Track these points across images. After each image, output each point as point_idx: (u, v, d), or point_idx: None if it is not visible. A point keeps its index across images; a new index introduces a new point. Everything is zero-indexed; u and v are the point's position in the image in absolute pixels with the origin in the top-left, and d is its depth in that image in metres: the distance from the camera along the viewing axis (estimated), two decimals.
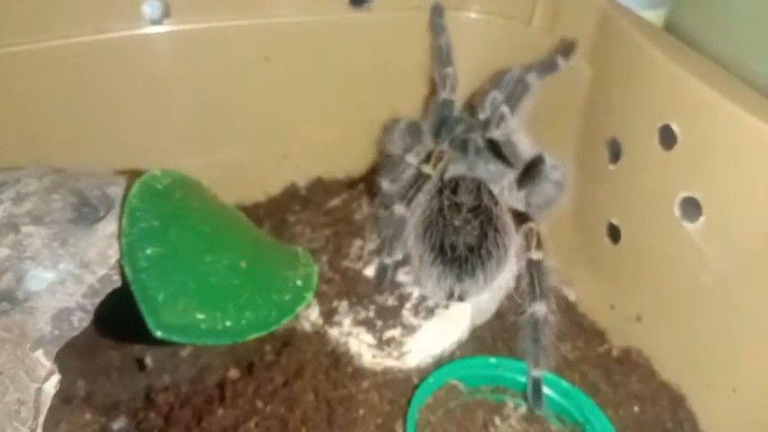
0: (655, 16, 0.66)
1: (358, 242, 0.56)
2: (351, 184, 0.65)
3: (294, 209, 0.64)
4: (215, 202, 0.49)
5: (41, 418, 0.35)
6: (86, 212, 0.42)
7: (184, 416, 0.47)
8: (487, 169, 0.53)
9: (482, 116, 0.53)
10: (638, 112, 0.51)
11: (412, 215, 0.50)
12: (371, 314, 0.50)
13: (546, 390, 0.48)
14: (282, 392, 0.47)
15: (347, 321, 0.50)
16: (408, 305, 0.51)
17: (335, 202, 0.62)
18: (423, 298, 0.51)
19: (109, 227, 0.41)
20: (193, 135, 0.60)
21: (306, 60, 0.61)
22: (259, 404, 0.47)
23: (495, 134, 0.51)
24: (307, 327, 0.52)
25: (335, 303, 0.52)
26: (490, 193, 0.50)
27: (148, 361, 0.53)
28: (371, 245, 0.55)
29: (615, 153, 0.53)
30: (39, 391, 0.35)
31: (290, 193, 0.66)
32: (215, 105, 0.60)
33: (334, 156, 0.66)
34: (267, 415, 0.46)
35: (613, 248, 0.54)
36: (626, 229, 0.53)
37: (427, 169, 0.50)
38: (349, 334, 0.50)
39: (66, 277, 0.38)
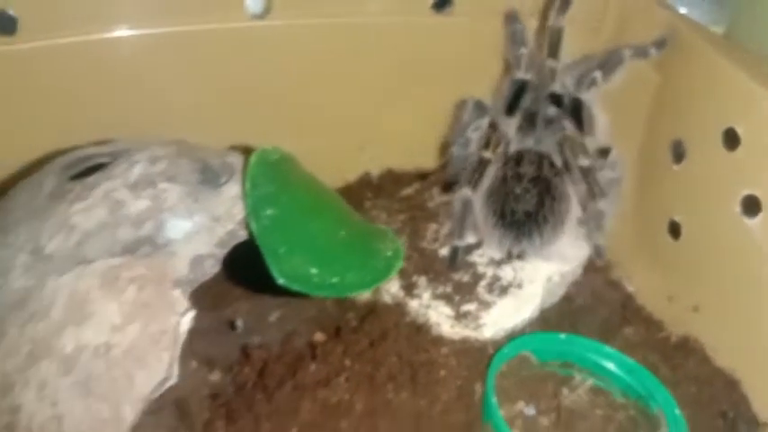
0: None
1: (433, 226, 0.60)
2: (421, 176, 0.70)
3: (368, 196, 0.69)
4: (312, 178, 0.54)
5: (178, 349, 0.40)
6: (210, 177, 0.47)
7: (278, 370, 0.51)
8: (554, 141, 0.57)
9: (572, 77, 0.57)
10: (704, 115, 0.55)
11: (479, 191, 0.54)
12: (449, 289, 0.55)
13: (611, 366, 0.52)
14: (368, 354, 0.52)
15: (426, 295, 0.55)
16: (483, 283, 0.55)
17: (408, 191, 0.67)
18: (496, 277, 0.55)
19: (232, 190, 0.46)
20: (284, 122, 0.65)
21: (389, 58, 0.66)
22: (347, 362, 0.51)
23: (584, 95, 0.55)
24: (387, 299, 0.56)
25: (415, 278, 0.56)
26: (552, 165, 0.54)
27: (239, 323, 0.57)
28: (446, 229, 0.59)
29: (679, 154, 0.57)
30: (177, 324, 0.40)
31: (364, 182, 0.71)
32: (304, 97, 0.65)
33: (407, 150, 0.71)
34: (355, 372, 0.50)
35: (673, 244, 0.58)
36: (687, 226, 0.57)
37: (487, 155, 0.55)
38: (428, 306, 0.54)
39: (199, 228, 0.43)
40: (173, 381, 0.40)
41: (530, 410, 0.49)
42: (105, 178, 0.44)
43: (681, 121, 0.57)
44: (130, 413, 0.39)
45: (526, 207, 0.53)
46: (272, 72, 0.64)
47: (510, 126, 0.58)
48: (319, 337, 0.55)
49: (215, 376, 0.52)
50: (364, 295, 0.58)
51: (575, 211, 0.53)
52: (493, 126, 0.58)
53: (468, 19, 0.66)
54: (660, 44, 0.57)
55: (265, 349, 0.54)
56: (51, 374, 0.39)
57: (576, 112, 0.57)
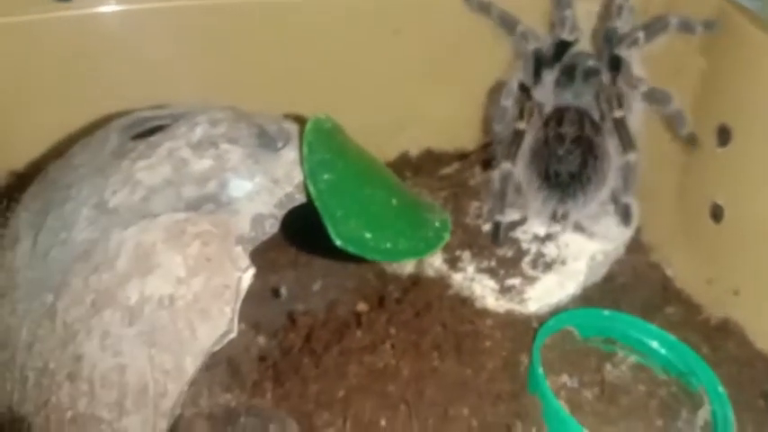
0: None
1: (475, 203, 0.61)
2: (460, 156, 0.70)
3: (407, 175, 0.69)
4: (362, 148, 0.55)
5: (239, 303, 0.41)
6: (267, 141, 0.47)
7: (324, 336, 0.52)
8: (592, 96, 0.57)
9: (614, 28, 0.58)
10: (751, 100, 0.55)
11: (519, 159, 0.55)
12: (493, 264, 0.55)
13: (653, 344, 0.52)
14: (413, 323, 0.52)
15: (470, 268, 0.55)
16: (527, 259, 0.55)
17: (447, 170, 0.67)
18: (540, 254, 0.56)
19: (290, 154, 0.46)
20: (325, 100, 0.65)
21: (431, 37, 0.66)
22: (392, 330, 0.52)
23: (623, 52, 0.56)
24: (431, 272, 0.57)
25: (458, 252, 0.56)
26: (592, 122, 0.55)
27: (283, 291, 0.58)
28: (488, 206, 0.60)
29: (724, 138, 0.57)
30: (239, 279, 0.41)
31: (404, 161, 0.71)
32: (346, 75, 0.66)
33: (446, 130, 0.72)
34: (401, 340, 0.51)
35: (715, 227, 0.58)
36: (730, 209, 0.57)
37: (521, 125, 0.55)
38: (472, 279, 0.55)
39: (260, 189, 0.43)
40: (233, 335, 0.41)
41: (573, 383, 0.50)
42: (168, 138, 0.45)
43: (727, 105, 0.57)
44: (192, 365, 0.40)
45: (570, 168, 0.53)
46: (314, 50, 0.64)
47: (545, 89, 0.58)
48: (362, 306, 0.55)
49: (261, 340, 0.53)
50: (407, 268, 0.58)
51: (615, 166, 0.54)
52: (526, 93, 0.58)
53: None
54: (708, 25, 0.57)
55: (310, 316, 0.54)
56: (115, 324, 0.40)
57: (615, 68, 0.57)
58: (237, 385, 0.47)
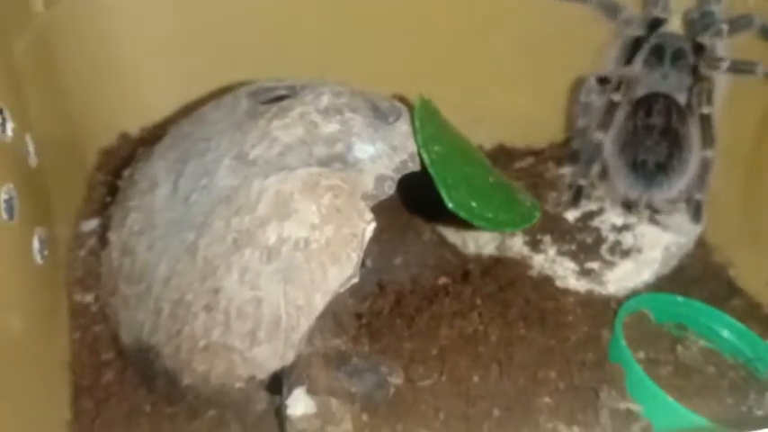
0: None
1: (553, 193, 0.64)
2: (532, 153, 0.74)
3: None
4: (458, 130, 0.59)
5: (362, 252, 0.45)
6: (380, 115, 0.52)
7: (413, 302, 0.56)
8: (681, 78, 0.60)
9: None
10: None
11: (609, 135, 0.59)
12: (573, 247, 0.59)
13: (722, 331, 0.55)
14: (498, 296, 0.56)
15: (551, 251, 0.59)
16: (605, 246, 0.59)
17: (521, 164, 0.71)
18: (618, 242, 0.59)
19: (403, 127, 0.50)
20: (406, 86, 0.69)
21: (511, 36, 0.70)
22: (478, 301, 0.55)
23: (706, 41, 0.59)
24: (511, 254, 0.60)
25: (539, 236, 0.60)
26: (679, 111, 0.58)
27: (368, 262, 0.62)
28: (566, 196, 0.63)
29: None
30: (364, 230, 0.45)
31: None
32: (435, 67, 0.70)
33: (519, 127, 0.75)
34: (487, 310, 0.54)
35: None
36: None
37: (616, 97, 0.59)
38: (554, 261, 0.58)
39: (381, 153, 0.48)
40: (356, 279, 0.45)
41: (649, 359, 0.53)
42: (299, 103, 0.49)
43: None
44: (321, 302, 0.44)
45: (657, 158, 0.57)
46: (399, 39, 0.68)
47: (634, 72, 0.61)
48: (443, 281, 0.59)
49: (352, 303, 0.57)
50: (488, 249, 0.62)
51: (697, 154, 0.57)
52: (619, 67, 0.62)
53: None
54: None
55: (398, 284, 0.58)
56: (254, 261, 0.43)
57: (699, 54, 0.60)
58: (339, 336, 0.51)
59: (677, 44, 0.61)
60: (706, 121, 0.57)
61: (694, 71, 0.60)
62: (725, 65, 0.57)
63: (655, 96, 0.59)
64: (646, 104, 0.59)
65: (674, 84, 0.60)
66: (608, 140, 0.58)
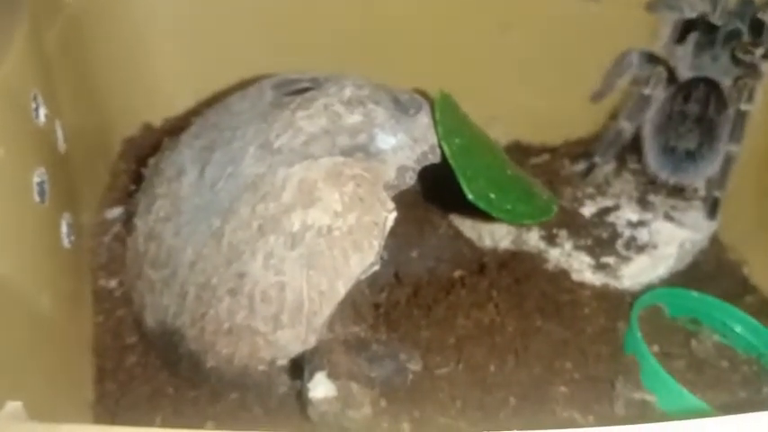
0: None
1: (569, 189, 0.65)
2: (547, 150, 0.75)
3: None
4: (476, 124, 0.60)
5: (383, 240, 0.45)
6: (401, 108, 0.52)
7: (430, 293, 0.57)
8: (729, 61, 0.60)
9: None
10: None
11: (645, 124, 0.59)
12: (589, 242, 0.60)
13: (736, 327, 0.56)
14: (514, 288, 0.57)
15: (567, 245, 0.60)
16: (620, 242, 0.60)
17: (537, 160, 0.72)
18: (633, 238, 0.60)
19: (423, 119, 0.51)
20: (431, 85, 0.71)
21: (535, 34, 0.71)
22: (494, 293, 0.56)
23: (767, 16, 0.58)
24: (527, 248, 0.61)
25: (555, 231, 0.61)
26: (718, 100, 0.58)
27: (384, 254, 0.63)
28: (581, 192, 0.64)
29: None
30: (385, 218, 0.46)
31: None
32: (455, 65, 0.71)
33: (533, 124, 0.76)
34: (503, 301, 0.55)
35: None
36: None
37: (647, 91, 0.59)
38: (569, 255, 0.59)
39: (403, 144, 0.48)
40: (377, 267, 0.46)
41: (663, 353, 0.54)
42: (322, 95, 0.50)
43: None
44: (343, 288, 0.44)
45: (688, 146, 0.58)
46: (418, 36, 0.69)
47: (686, 50, 0.61)
48: (459, 273, 0.60)
49: (371, 293, 0.58)
50: (504, 243, 0.63)
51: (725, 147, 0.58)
52: (654, 61, 0.62)
53: (616, 10, 0.70)
54: None
55: (414, 276, 0.59)
56: (278, 247, 0.44)
57: (757, 33, 0.59)
58: (358, 324, 0.52)
59: (729, 25, 0.59)
60: (741, 117, 0.57)
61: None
62: (760, 51, 0.57)
63: (696, 82, 0.59)
64: (686, 90, 0.59)
65: (724, 67, 0.60)
66: (646, 119, 0.60)
